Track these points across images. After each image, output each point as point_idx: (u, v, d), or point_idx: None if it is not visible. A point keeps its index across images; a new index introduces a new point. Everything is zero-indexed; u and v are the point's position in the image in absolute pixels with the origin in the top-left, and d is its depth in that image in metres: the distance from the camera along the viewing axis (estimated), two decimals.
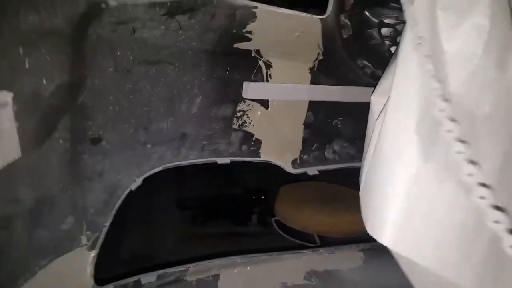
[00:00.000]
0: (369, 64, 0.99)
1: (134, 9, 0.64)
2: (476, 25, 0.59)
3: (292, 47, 0.88)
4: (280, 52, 0.88)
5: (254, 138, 0.97)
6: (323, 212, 1.57)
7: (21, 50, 0.58)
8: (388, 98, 0.66)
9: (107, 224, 0.79)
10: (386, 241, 0.58)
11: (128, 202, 0.83)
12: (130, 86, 0.75)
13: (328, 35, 0.87)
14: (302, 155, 1.06)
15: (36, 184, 0.65)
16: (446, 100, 0.57)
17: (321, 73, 0.96)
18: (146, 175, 0.83)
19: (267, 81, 0.91)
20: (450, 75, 0.59)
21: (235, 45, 0.82)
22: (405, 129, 0.60)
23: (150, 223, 1.66)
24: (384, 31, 0.94)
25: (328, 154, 1.12)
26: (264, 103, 0.94)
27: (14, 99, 0.57)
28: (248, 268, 1.10)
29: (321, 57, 0.93)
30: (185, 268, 0.98)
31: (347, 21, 0.91)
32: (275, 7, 0.76)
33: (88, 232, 0.78)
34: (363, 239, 1.28)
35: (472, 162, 0.53)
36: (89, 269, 0.79)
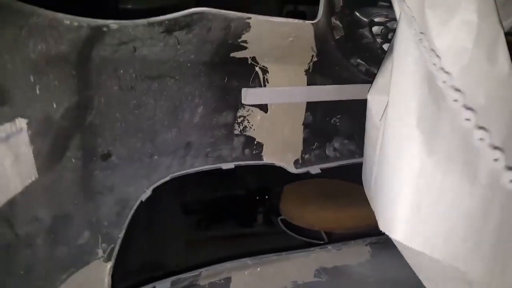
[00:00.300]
0: (363, 62, 1.01)
1: (134, 29, 0.67)
2: (465, 20, 0.61)
3: (287, 51, 0.90)
4: (275, 58, 0.91)
5: (255, 142, 1.00)
6: (327, 208, 1.59)
7: (31, 78, 0.61)
8: (388, 97, 0.68)
9: (121, 235, 0.82)
10: (399, 236, 0.60)
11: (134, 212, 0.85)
12: (134, 102, 0.78)
13: (321, 38, 0.90)
14: (303, 155, 1.09)
15: (53, 203, 0.68)
16: (458, 90, 0.58)
17: (317, 74, 0.99)
18: (155, 185, 0.86)
19: (265, 86, 0.94)
20: (445, 68, 0.61)
21: (232, 54, 0.85)
22: (407, 125, 0.62)
23: (156, 231, 1.67)
24: (375, 29, 0.97)
25: (329, 152, 1.15)
26: (263, 108, 0.97)
27: (28, 124, 0.60)
28: (259, 269, 1.13)
29: (315, 59, 0.96)
30: (198, 272, 1.01)
31: (338, 22, 0.94)
32: (268, 16, 0.79)
33: (104, 245, 0.81)
34: (369, 234, 1.32)
35: (482, 128, 0.55)
36: (107, 280, 0.82)
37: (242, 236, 1.77)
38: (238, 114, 0.95)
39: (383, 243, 1.28)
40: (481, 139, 0.55)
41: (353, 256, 1.26)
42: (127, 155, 0.81)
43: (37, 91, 0.62)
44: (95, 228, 0.78)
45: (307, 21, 0.86)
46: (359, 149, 1.17)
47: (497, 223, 0.58)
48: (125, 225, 0.83)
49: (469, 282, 0.61)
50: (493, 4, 0.62)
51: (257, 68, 0.92)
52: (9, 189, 0.58)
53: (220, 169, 1.01)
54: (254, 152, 1.01)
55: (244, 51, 0.85)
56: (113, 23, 0.64)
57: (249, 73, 0.91)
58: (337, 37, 0.95)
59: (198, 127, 0.90)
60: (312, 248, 1.22)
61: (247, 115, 0.96)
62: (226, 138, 0.96)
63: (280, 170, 1.14)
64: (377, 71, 0.78)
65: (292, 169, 1.09)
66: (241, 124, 0.96)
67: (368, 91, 0.78)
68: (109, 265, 0.82)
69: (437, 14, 0.63)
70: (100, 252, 0.80)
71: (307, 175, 1.17)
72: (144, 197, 0.84)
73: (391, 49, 0.71)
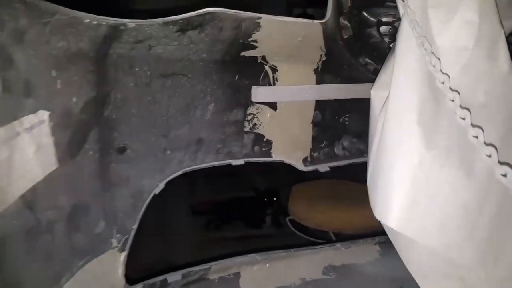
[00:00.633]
0: (371, 61, 1.03)
1: (150, 28, 0.71)
2: (466, 20, 0.63)
3: (296, 51, 0.93)
4: (284, 57, 0.94)
5: (265, 139, 1.02)
6: (336, 208, 1.59)
7: (53, 73, 0.65)
8: (388, 93, 0.70)
9: (135, 227, 0.86)
10: (392, 223, 0.63)
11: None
12: (149, 98, 0.82)
13: (329, 37, 0.92)
14: (312, 153, 1.11)
15: (72, 192, 0.72)
16: (455, 90, 0.61)
17: (325, 73, 1.01)
18: (168, 179, 0.89)
19: (274, 84, 0.97)
20: (444, 69, 0.63)
21: (242, 53, 0.88)
22: (407, 121, 0.64)
23: (164, 231, 1.70)
24: (383, 29, 0.99)
25: (338, 150, 1.16)
26: (273, 106, 0.99)
27: (50, 116, 0.64)
28: (267, 265, 1.14)
29: (324, 58, 0.98)
30: (208, 266, 1.03)
31: (346, 22, 0.96)
32: (278, 16, 0.81)
33: (118, 235, 0.84)
34: (378, 233, 1.32)
35: (477, 126, 0.57)
36: (121, 270, 0.85)
37: (249, 237, 1.78)
38: (248, 111, 0.97)
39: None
40: (475, 136, 0.57)
41: (362, 254, 1.26)
42: (142, 149, 0.84)
43: (58, 86, 0.66)
44: (111, 219, 0.82)
45: (315, 21, 0.88)
46: (368, 148, 1.18)
47: (492, 215, 0.60)
48: (139, 217, 0.86)
49: (462, 279, 0.62)
50: (494, 4, 0.64)
51: (266, 67, 0.94)
52: (32, 176, 0.62)
53: (228, 172, 1.03)
54: (263, 149, 1.03)
55: (254, 50, 0.88)
56: (130, 22, 0.67)
57: (259, 71, 0.94)
58: (346, 37, 0.97)
59: (209, 123, 0.93)
60: (321, 246, 1.23)
61: (257, 113, 0.98)
62: (236, 135, 0.98)
63: (286, 172, 1.14)
64: (381, 68, 0.80)
65: (301, 167, 1.10)
66: (251, 122, 0.99)
67: (371, 87, 0.80)
68: (123, 255, 0.85)
69: (439, 13, 0.65)
70: (114, 242, 0.83)
71: (314, 174, 1.18)
72: (157, 190, 0.88)
73: (393, 47, 0.73)
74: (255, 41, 0.85)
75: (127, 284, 0.87)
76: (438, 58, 0.62)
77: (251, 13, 0.78)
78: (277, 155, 1.05)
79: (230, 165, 1.00)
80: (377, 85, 0.76)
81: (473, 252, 0.61)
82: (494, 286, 0.62)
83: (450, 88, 0.60)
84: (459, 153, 0.61)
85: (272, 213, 1.88)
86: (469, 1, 0.63)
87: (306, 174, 1.18)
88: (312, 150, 1.11)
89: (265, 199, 1.89)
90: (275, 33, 0.85)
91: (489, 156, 0.55)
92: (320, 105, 1.05)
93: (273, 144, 1.04)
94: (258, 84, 0.95)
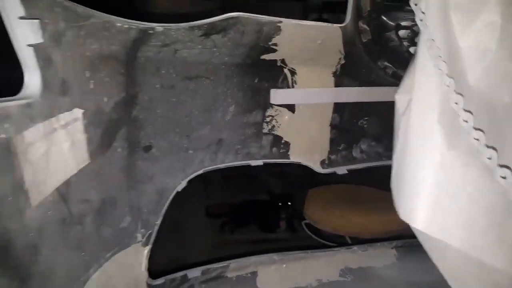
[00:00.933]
0: (390, 65, 1.04)
1: (176, 32, 0.74)
2: (488, 22, 0.63)
3: (315, 54, 0.95)
4: (303, 60, 0.96)
5: (283, 141, 1.04)
6: (354, 213, 1.58)
7: (87, 74, 0.69)
8: (411, 95, 0.71)
9: (158, 222, 0.89)
10: (417, 224, 0.63)
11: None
12: (174, 99, 0.85)
13: (348, 41, 0.94)
14: (330, 156, 1.12)
15: (101, 187, 0.76)
16: (459, 94, 0.61)
17: (344, 76, 1.03)
18: (190, 177, 0.93)
19: (293, 87, 0.99)
20: (467, 70, 0.63)
21: (262, 57, 0.91)
22: (429, 121, 0.65)
23: (180, 232, 1.72)
24: (402, 33, 1.00)
25: (356, 153, 1.17)
26: (291, 108, 1.01)
27: (83, 114, 0.68)
28: (284, 265, 1.16)
29: (343, 61, 1.00)
30: (227, 264, 1.06)
31: (365, 26, 0.98)
32: (298, 20, 0.84)
33: (142, 230, 0.88)
34: (395, 238, 1.32)
35: (491, 147, 0.57)
36: (144, 263, 0.89)
37: (264, 240, 1.79)
38: (267, 113, 1.00)
39: (409, 247, 1.29)
40: (476, 139, 0.57)
41: (379, 258, 1.26)
42: (166, 148, 0.87)
43: (91, 86, 0.70)
44: (136, 214, 0.85)
45: (335, 25, 0.90)
46: (387, 151, 1.18)
47: None
48: (162, 213, 0.89)
49: (496, 283, 0.61)
50: None
51: (285, 70, 0.97)
52: (66, 170, 0.66)
53: (243, 175, 1.04)
54: (281, 151, 1.05)
55: (274, 54, 0.91)
56: (158, 26, 0.71)
57: (278, 74, 0.96)
58: (365, 40, 0.99)
59: (229, 125, 0.96)
60: (338, 248, 1.24)
61: (275, 115, 1.01)
62: (255, 136, 1.01)
63: (303, 176, 1.13)
64: (405, 73, 0.81)
65: (318, 169, 1.12)
66: (269, 123, 1.01)
67: (396, 91, 0.81)
68: (147, 249, 0.88)
69: (460, 16, 0.65)
70: (139, 236, 0.87)
71: (329, 179, 1.16)
72: (179, 188, 0.91)
73: (415, 51, 0.74)
74: (275, 44, 0.88)
75: (149, 278, 0.91)
76: (444, 62, 0.63)
77: (272, 17, 0.80)
78: (294, 157, 1.07)
79: (246, 170, 1.02)
80: (401, 90, 0.77)
81: (504, 255, 0.60)
82: None
83: (455, 92, 0.61)
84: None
85: (286, 217, 1.89)
86: (491, 3, 0.63)
87: (320, 179, 1.18)
88: (330, 153, 1.12)
89: (280, 203, 1.90)
90: (295, 37, 0.88)
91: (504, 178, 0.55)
92: (338, 108, 1.07)
93: (291, 145, 1.06)
94: (277, 87, 0.97)
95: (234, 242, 1.72)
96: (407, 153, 0.69)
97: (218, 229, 1.79)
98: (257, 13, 0.80)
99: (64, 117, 0.64)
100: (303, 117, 1.03)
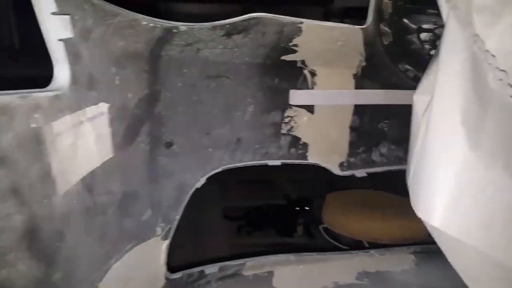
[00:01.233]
0: (411, 68, 1.03)
1: (199, 31, 0.77)
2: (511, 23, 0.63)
3: (335, 55, 0.95)
4: (324, 61, 0.97)
5: (301, 142, 1.04)
6: (372, 218, 1.57)
7: (113, 70, 0.72)
8: (432, 96, 0.70)
9: (178, 217, 0.91)
10: (436, 222, 0.63)
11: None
12: (195, 98, 0.88)
13: (369, 43, 0.94)
14: (349, 158, 1.11)
15: (124, 180, 0.78)
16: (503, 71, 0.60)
17: (365, 78, 1.02)
18: (208, 175, 0.94)
19: (312, 88, 0.99)
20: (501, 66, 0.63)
21: (282, 58, 0.92)
22: (451, 122, 0.65)
23: (197, 234, 1.74)
24: (423, 36, 0.99)
25: (375, 156, 1.15)
26: (310, 109, 1.02)
27: (109, 108, 0.71)
28: (301, 266, 1.16)
29: (364, 63, 1.00)
30: (243, 262, 1.06)
31: (386, 29, 0.98)
32: (319, 21, 0.85)
33: (162, 224, 0.90)
34: (414, 243, 1.29)
35: None
36: (163, 257, 0.91)
37: (281, 244, 1.79)
38: (286, 114, 1.00)
39: (428, 253, 1.26)
40: None
41: (397, 263, 1.24)
42: (187, 145, 0.90)
43: (117, 82, 0.73)
44: (156, 208, 0.88)
45: (356, 26, 0.90)
46: (407, 155, 1.17)
47: None
48: (181, 209, 0.91)
49: None
50: None
51: (305, 71, 0.97)
52: (92, 161, 0.69)
53: (261, 179, 1.03)
54: (299, 152, 1.05)
55: (294, 55, 0.92)
56: (182, 25, 0.73)
57: (298, 75, 0.97)
58: (386, 43, 0.99)
59: (249, 124, 0.98)
60: (356, 251, 1.23)
61: (294, 116, 1.01)
62: (274, 137, 1.02)
63: (320, 181, 1.12)
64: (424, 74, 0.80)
65: (337, 171, 1.11)
66: (288, 124, 1.02)
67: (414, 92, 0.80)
68: (166, 243, 0.90)
69: (484, 17, 0.65)
70: (159, 230, 0.89)
71: (347, 185, 1.13)
72: (198, 184, 0.93)
73: (437, 52, 0.74)
74: (296, 45, 0.89)
75: (168, 272, 0.93)
76: (494, 56, 0.62)
77: (293, 18, 0.82)
78: (313, 158, 1.07)
79: (265, 174, 1.02)
80: (419, 90, 0.77)
81: None
82: None
83: (509, 84, 0.60)
84: (505, 155, 0.61)
85: (304, 222, 1.88)
86: None
87: (338, 185, 1.17)
88: (349, 155, 1.11)
89: (297, 208, 1.89)
90: (315, 38, 0.88)
91: None
92: (358, 110, 1.06)
93: (309, 147, 1.06)
94: (296, 88, 0.98)
95: (251, 245, 1.74)
96: (427, 152, 0.69)
97: (236, 231, 1.82)
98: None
99: (91, 110, 0.67)
100: (322, 119, 1.04)
